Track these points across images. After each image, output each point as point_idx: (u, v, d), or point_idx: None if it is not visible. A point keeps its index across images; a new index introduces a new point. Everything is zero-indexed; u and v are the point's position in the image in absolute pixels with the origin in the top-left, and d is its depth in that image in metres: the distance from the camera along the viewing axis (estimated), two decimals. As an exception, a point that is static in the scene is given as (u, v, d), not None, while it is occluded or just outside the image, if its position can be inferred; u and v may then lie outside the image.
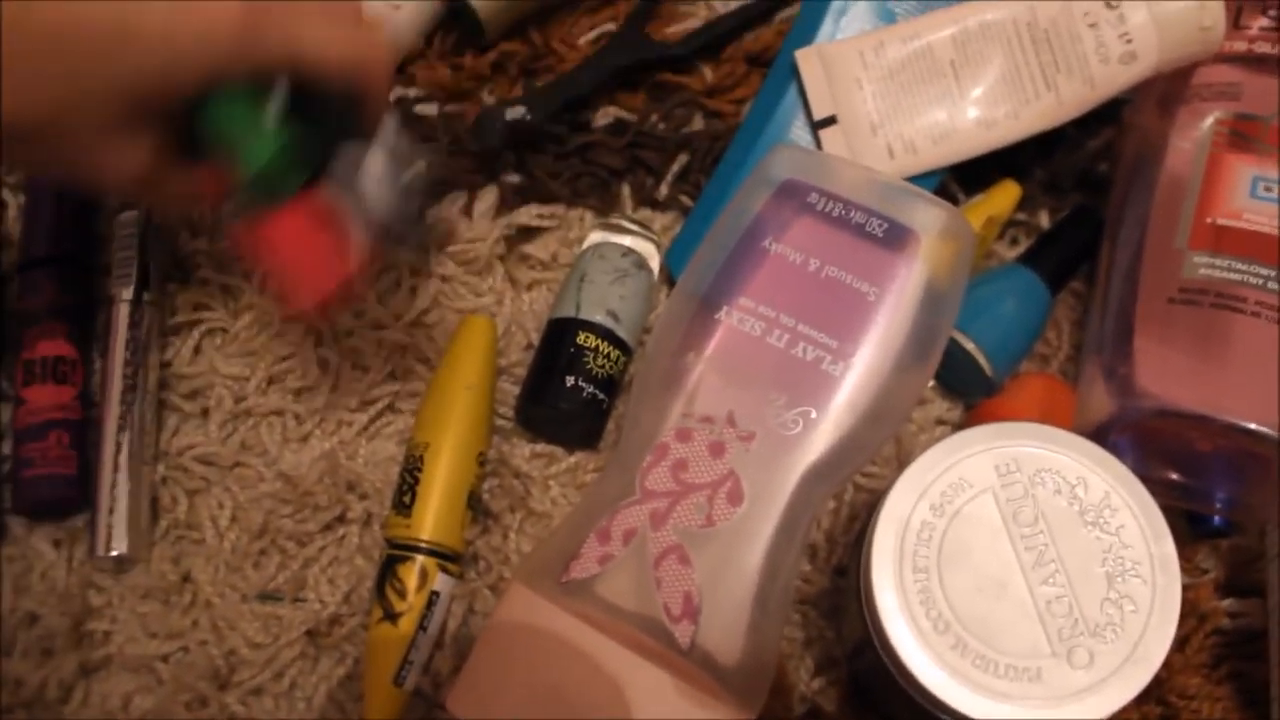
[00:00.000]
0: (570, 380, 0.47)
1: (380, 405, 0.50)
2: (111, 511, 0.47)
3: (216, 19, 0.32)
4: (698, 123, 0.55)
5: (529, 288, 0.52)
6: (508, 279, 0.52)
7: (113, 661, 0.47)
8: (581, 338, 0.48)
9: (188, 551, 0.48)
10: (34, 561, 0.48)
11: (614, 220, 0.52)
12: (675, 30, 0.56)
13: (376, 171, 0.40)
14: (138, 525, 0.48)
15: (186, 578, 0.48)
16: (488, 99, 0.56)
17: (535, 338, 0.51)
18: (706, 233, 0.48)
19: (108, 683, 0.47)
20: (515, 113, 0.52)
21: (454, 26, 0.56)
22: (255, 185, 0.38)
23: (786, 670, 0.46)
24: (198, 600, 0.47)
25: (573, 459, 0.49)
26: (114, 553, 0.47)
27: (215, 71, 0.34)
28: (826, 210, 0.43)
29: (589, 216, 0.53)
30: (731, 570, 0.41)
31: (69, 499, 0.48)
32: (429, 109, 0.55)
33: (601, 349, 0.48)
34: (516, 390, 0.50)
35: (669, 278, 0.52)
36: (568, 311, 0.48)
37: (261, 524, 0.48)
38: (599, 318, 0.48)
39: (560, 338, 0.48)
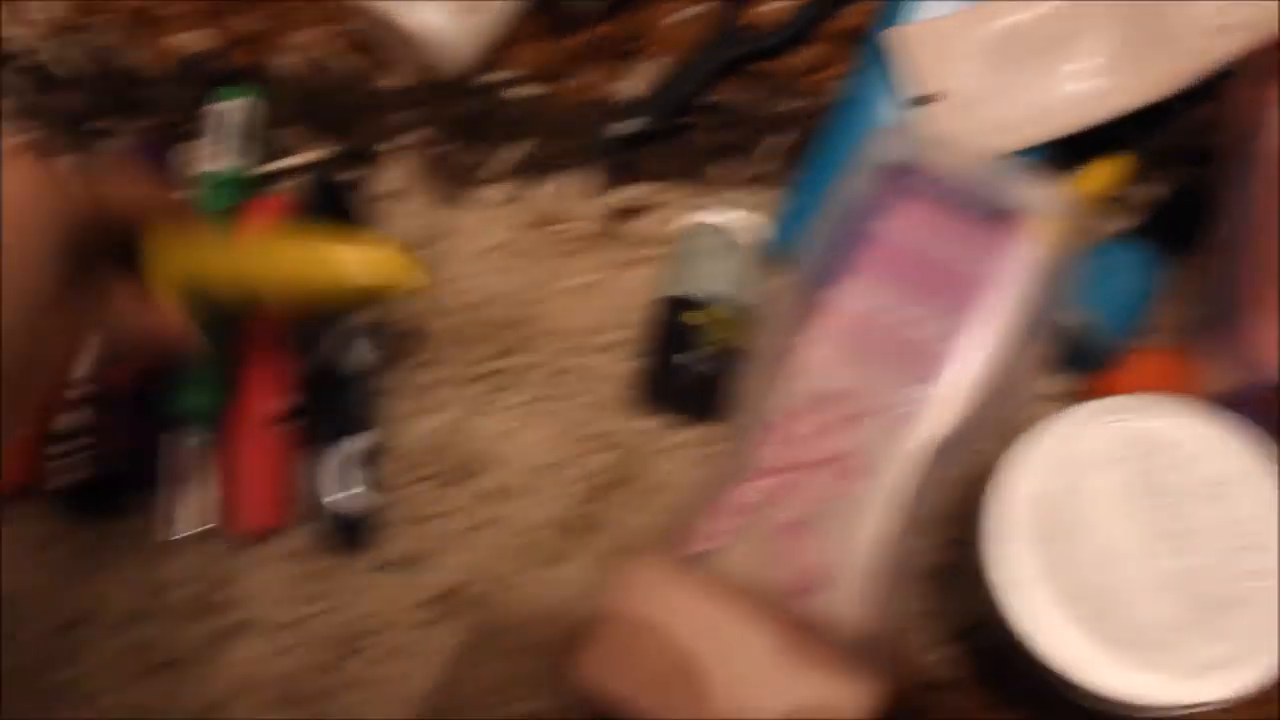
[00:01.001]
0: (682, 357, 0.48)
1: (492, 381, 0.51)
2: (183, 489, 0.50)
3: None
4: (790, 102, 0.56)
5: (630, 266, 0.53)
6: (609, 258, 0.53)
7: (245, 627, 0.49)
8: (689, 315, 0.49)
9: (306, 519, 0.50)
10: (161, 530, 0.51)
11: (711, 199, 0.53)
12: (769, 9, 0.57)
13: None
14: (205, 505, 0.50)
15: (307, 547, 0.50)
16: (584, 79, 0.56)
17: (637, 316, 0.52)
18: (809, 213, 0.49)
19: (241, 647, 0.49)
20: (630, 125, 0.53)
21: (550, 8, 0.57)
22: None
23: (906, 642, 0.47)
24: (321, 569, 0.49)
25: (687, 433, 0.50)
26: (185, 532, 0.49)
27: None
28: (934, 192, 0.44)
29: (686, 196, 0.54)
30: (851, 544, 0.42)
31: (130, 471, 0.50)
32: (526, 91, 0.56)
33: (710, 325, 0.49)
34: (624, 367, 0.51)
35: (768, 255, 0.53)
36: (673, 290, 0.50)
37: (387, 494, 0.50)
38: (704, 294, 0.49)
39: (669, 316, 0.49)
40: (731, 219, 0.52)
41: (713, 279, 0.50)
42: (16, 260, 0.34)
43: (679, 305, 0.49)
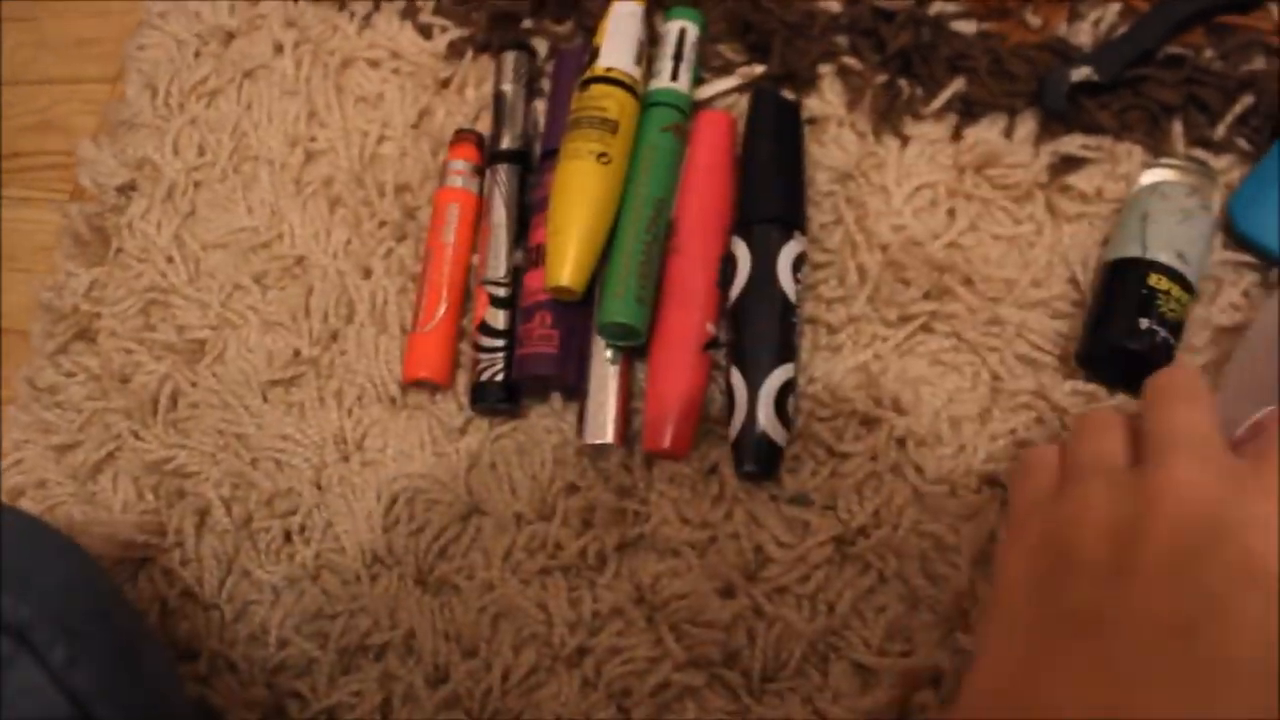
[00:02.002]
0: (1145, 322, 0.45)
1: (916, 323, 0.49)
2: (600, 400, 0.49)
3: None
4: (1259, 62, 0.51)
5: (1071, 220, 0.50)
6: (1048, 209, 0.50)
7: (644, 541, 0.49)
8: (1153, 279, 0.45)
9: (715, 444, 0.49)
10: (569, 435, 0.51)
11: (1171, 159, 0.49)
12: (1248, -44, 0.52)
13: None
14: (618, 417, 0.49)
15: (714, 469, 0.49)
16: (1031, 19, 0.53)
17: (1078, 271, 0.49)
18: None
19: (638, 559, 0.48)
20: (1081, 73, 0.50)
21: (1005, -59, 0.54)
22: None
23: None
24: (725, 493, 0.48)
25: (1114, 401, 0.47)
26: (597, 441, 0.48)
27: None
28: None
29: (1137, 151, 0.50)
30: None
31: (551, 375, 0.49)
32: (967, 26, 0.53)
33: (1173, 292, 0.45)
34: (1057, 324, 0.48)
35: (1228, 225, 0.49)
36: (1132, 251, 0.46)
37: (798, 428, 0.48)
38: (1167, 259, 0.46)
39: (1128, 277, 0.46)
40: (1193, 182, 0.49)
41: (1176, 244, 0.46)
42: None
43: (1144, 267, 0.46)
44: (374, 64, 0.60)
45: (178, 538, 0.53)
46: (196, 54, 0.63)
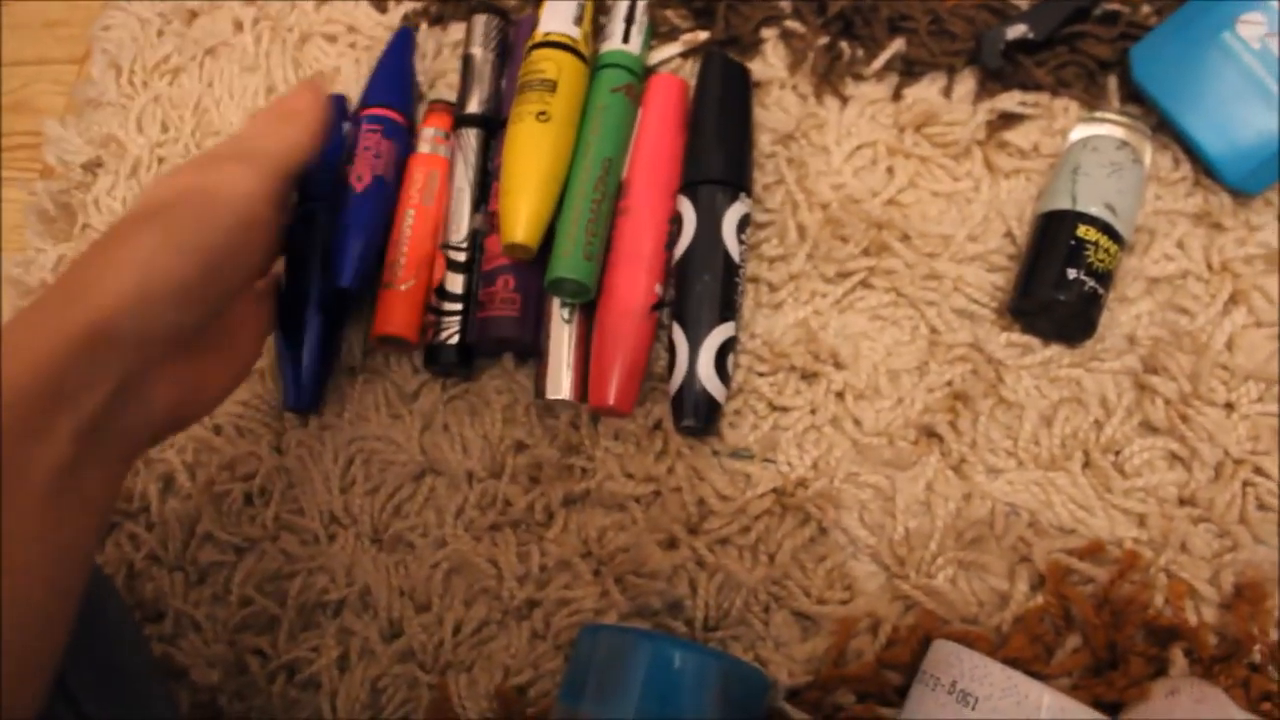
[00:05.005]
0: (1072, 273, 0.46)
1: (855, 279, 0.50)
2: (557, 358, 0.50)
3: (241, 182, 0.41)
4: (1196, 16, 0.52)
5: (1008, 175, 0.51)
6: (986, 165, 0.51)
7: (590, 496, 0.50)
8: (1081, 230, 0.46)
9: (659, 401, 0.50)
10: (519, 395, 0.52)
11: (1103, 112, 0.50)
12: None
13: None
14: (568, 376, 0.50)
15: (657, 425, 0.50)
16: (970, -18, 0.54)
17: (1014, 226, 0.50)
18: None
19: (585, 514, 0.50)
20: (1017, 30, 0.51)
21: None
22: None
23: None
24: (669, 449, 0.50)
25: (1048, 352, 0.48)
26: (555, 397, 0.49)
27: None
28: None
29: (1074, 107, 0.51)
30: None
31: (513, 338, 0.50)
32: (905, -12, 0.54)
33: (1101, 243, 0.46)
34: (993, 278, 0.49)
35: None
36: (1062, 204, 0.47)
37: (739, 383, 0.49)
38: (1097, 211, 0.46)
39: (1058, 230, 0.47)
40: (1125, 135, 0.49)
41: (1106, 196, 0.47)
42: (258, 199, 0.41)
43: (1073, 219, 0.46)
44: (331, 39, 0.61)
45: (143, 502, 0.55)
46: (160, 33, 0.64)
